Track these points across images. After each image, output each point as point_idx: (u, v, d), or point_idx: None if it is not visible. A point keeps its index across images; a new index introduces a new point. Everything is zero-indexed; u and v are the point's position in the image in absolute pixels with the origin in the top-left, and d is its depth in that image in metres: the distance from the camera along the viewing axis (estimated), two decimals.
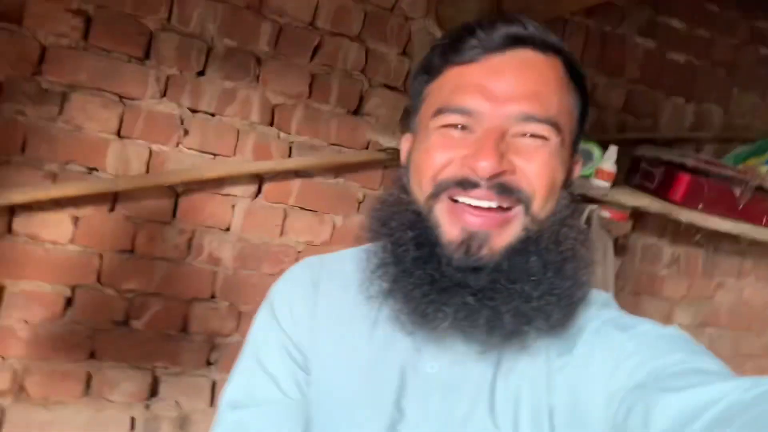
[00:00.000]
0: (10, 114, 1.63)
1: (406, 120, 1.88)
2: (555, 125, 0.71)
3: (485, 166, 0.68)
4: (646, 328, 0.71)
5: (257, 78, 1.85)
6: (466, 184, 0.70)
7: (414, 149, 0.79)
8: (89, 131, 1.69)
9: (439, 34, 2.02)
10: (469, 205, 0.70)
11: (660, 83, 2.40)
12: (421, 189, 0.74)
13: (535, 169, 0.70)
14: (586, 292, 0.76)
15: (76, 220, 1.70)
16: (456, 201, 0.72)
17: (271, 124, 1.88)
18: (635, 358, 0.67)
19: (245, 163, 1.84)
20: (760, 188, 2.04)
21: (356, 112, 1.97)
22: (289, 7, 1.85)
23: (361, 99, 1.97)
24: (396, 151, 1.90)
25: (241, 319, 1.89)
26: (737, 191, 2.02)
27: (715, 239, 2.46)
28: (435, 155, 0.72)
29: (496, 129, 0.70)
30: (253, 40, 1.83)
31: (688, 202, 1.99)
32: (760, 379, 0.56)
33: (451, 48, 0.74)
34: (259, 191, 1.89)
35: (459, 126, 0.72)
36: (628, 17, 2.32)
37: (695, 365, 0.64)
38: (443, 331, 0.71)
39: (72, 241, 1.70)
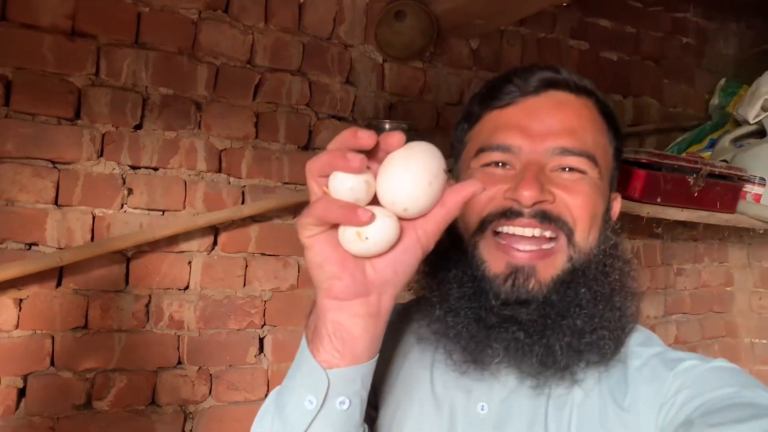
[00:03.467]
0: None
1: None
2: (591, 158, 0.74)
3: (527, 195, 0.70)
4: (691, 363, 0.71)
5: (199, 124, 1.75)
6: (510, 214, 0.72)
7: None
8: (23, 204, 1.55)
9: (380, 59, 1.98)
10: (513, 236, 0.72)
11: (597, 82, 2.40)
12: (466, 226, 0.76)
13: (575, 200, 0.73)
14: (634, 324, 0.77)
15: (19, 302, 1.55)
16: (498, 234, 0.73)
17: (220, 170, 1.77)
18: (682, 395, 0.67)
19: (197, 215, 1.73)
20: (710, 174, 2.07)
21: (307, 147, 1.89)
22: (223, 48, 1.77)
23: (311, 133, 1.89)
24: None
25: (213, 382, 1.77)
26: (690, 180, 2.05)
27: (671, 229, 2.50)
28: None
29: (535, 162, 0.73)
30: (191, 86, 1.73)
31: (647, 196, 2.00)
32: None
33: (489, 95, 0.79)
34: (215, 243, 1.77)
35: (500, 163, 0.76)
36: (560, 22, 2.34)
37: (743, 399, 0.64)
38: (496, 368, 0.73)
39: (17, 326, 1.54)
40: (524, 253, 0.72)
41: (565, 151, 0.73)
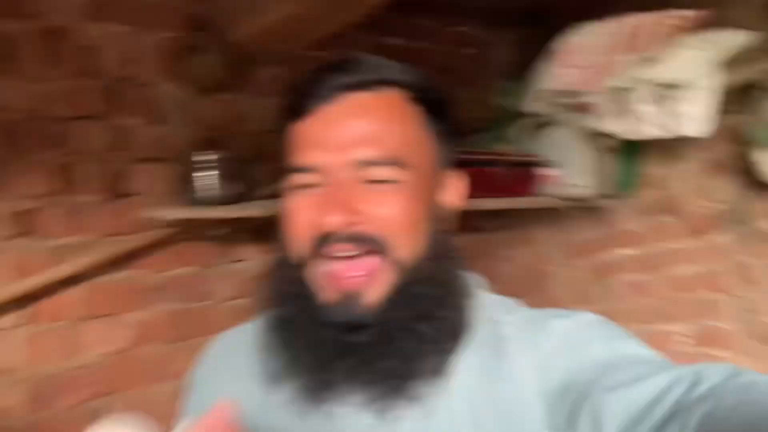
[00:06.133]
0: None
1: (183, 186, 1.75)
2: (399, 163, 0.70)
3: (331, 221, 0.67)
4: (560, 323, 0.71)
5: None
6: (324, 242, 0.69)
7: (282, 211, 0.75)
8: None
9: (185, 94, 1.93)
10: (338, 258, 0.69)
11: None
12: (294, 252, 0.72)
13: (389, 213, 0.69)
14: (468, 323, 0.74)
15: None
16: (326, 258, 0.70)
17: (27, 233, 1.61)
18: (558, 358, 0.67)
19: (8, 285, 1.55)
20: (512, 163, 2.28)
21: (121, 194, 1.77)
22: (11, 100, 1.61)
23: (123, 180, 1.78)
24: (183, 221, 1.75)
25: None
26: (496, 171, 2.22)
27: (489, 220, 2.70)
28: (296, 219, 0.72)
29: (340, 181, 0.69)
30: None
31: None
32: (697, 371, 0.56)
33: (288, 106, 0.74)
34: (35, 314, 1.60)
35: (310, 185, 0.71)
36: (359, 44, 2.44)
37: (623, 351, 0.65)
38: (341, 402, 0.70)
39: None
40: (351, 279, 0.69)
41: (367, 163, 0.69)
